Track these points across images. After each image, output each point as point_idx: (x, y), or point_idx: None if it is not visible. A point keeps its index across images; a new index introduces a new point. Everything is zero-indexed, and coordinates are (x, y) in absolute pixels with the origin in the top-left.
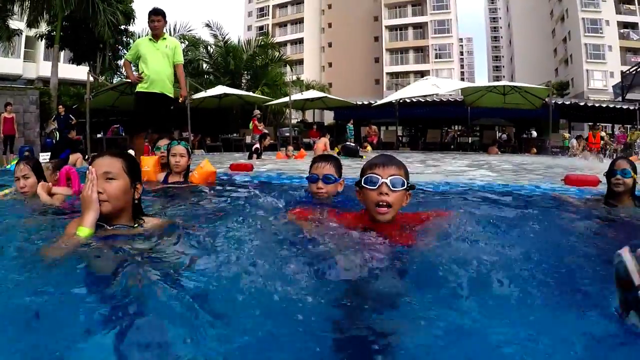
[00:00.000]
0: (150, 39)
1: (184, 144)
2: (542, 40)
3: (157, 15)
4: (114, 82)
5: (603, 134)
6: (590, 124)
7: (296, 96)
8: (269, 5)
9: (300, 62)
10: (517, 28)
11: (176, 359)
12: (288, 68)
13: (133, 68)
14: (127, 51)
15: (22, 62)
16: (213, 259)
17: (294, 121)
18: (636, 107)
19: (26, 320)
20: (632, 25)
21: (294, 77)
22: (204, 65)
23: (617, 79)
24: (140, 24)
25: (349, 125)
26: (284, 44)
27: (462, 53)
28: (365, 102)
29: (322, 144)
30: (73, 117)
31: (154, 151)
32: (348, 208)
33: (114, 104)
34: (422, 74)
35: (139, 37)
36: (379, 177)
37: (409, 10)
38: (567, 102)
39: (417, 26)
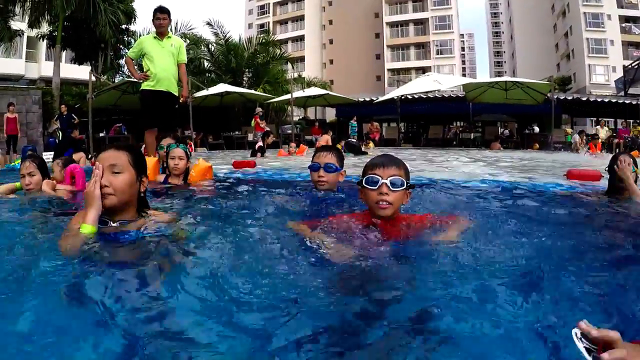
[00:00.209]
0: (155, 37)
1: (183, 146)
2: (543, 35)
3: (162, 13)
4: (116, 81)
5: (606, 128)
6: (593, 119)
7: (298, 93)
8: (269, 3)
9: (301, 59)
10: (518, 23)
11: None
12: (289, 65)
13: (136, 67)
14: (129, 50)
15: (24, 62)
16: (217, 259)
17: (295, 118)
18: (639, 102)
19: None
20: (634, 19)
21: (296, 75)
22: (206, 64)
23: (620, 73)
24: (141, 24)
25: (352, 122)
26: (285, 41)
27: (463, 49)
28: (367, 99)
29: (324, 141)
30: (75, 117)
31: (157, 150)
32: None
33: (116, 103)
34: (423, 70)
35: (140, 36)
36: (379, 177)
37: (409, 6)
38: (570, 97)
39: (418, 22)
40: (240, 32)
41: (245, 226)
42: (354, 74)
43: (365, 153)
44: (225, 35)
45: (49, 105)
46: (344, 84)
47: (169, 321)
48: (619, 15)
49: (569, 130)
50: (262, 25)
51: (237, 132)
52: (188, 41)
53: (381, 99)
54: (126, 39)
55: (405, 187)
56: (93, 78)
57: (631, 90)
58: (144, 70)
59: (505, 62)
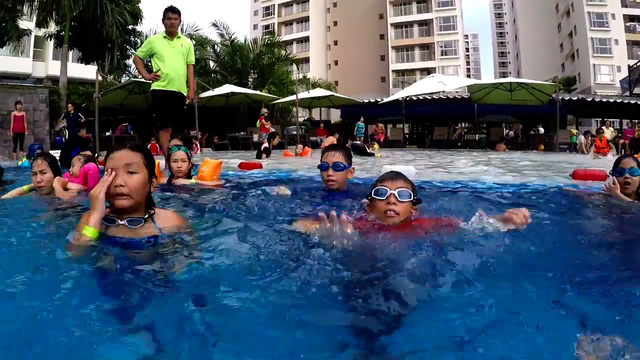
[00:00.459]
0: (164, 37)
1: (184, 149)
2: (548, 35)
3: (174, 13)
4: (123, 81)
5: (611, 129)
6: (598, 119)
7: (303, 94)
8: (274, 4)
9: (306, 60)
10: (522, 24)
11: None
12: (294, 66)
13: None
14: (135, 50)
15: (32, 61)
16: (224, 259)
17: (300, 119)
18: None
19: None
20: (639, 19)
21: (301, 76)
22: (211, 64)
23: (624, 73)
24: (147, 24)
25: (359, 123)
26: (290, 42)
27: (467, 50)
28: (372, 100)
29: (330, 143)
30: (82, 116)
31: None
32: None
33: (123, 103)
34: (428, 71)
35: (146, 37)
36: (387, 188)
37: (414, 7)
38: (575, 98)
39: (422, 23)
40: (246, 33)
41: (254, 227)
42: (359, 75)
43: (372, 154)
44: (231, 37)
45: (55, 104)
46: (349, 85)
47: (185, 322)
48: (624, 14)
49: (574, 131)
50: (267, 27)
51: (242, 133)
52: (194, 42)
53: (386, 100)
54: (133, 39)
55: (411, 199)
56: (100, 78)
57: (636, 90)
58: (153, 70)
59: (509, 62)
